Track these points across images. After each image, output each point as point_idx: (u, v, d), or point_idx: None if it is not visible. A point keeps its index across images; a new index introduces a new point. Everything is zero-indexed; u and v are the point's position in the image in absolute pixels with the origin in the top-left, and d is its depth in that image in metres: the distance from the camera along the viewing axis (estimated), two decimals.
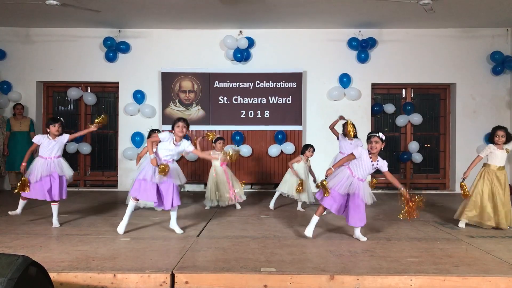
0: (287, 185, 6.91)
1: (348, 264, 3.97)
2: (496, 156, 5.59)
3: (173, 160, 5.25)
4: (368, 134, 4.98)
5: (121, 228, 5.15)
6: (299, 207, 6.92)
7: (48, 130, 5.75)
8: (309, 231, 4.98)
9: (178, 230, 5.27)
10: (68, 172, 5.77)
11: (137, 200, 5.27)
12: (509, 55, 9.19)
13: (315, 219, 5.01)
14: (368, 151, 4.88)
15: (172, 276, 3.66)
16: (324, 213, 5.62)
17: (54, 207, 5.64)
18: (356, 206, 4.88)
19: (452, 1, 7.30)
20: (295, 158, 6.99)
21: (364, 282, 3.64)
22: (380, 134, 4.85)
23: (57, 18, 8.65)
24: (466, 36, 9.36)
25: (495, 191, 5.54)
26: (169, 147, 5.18)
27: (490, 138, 5.74)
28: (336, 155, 6.98)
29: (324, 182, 4.89)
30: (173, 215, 5.32)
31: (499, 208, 5.49)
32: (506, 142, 5.61)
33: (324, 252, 4.40)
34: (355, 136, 6.81)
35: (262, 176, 9.19)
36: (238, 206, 7.10)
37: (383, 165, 4.93)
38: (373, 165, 4.89)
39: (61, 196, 5.69)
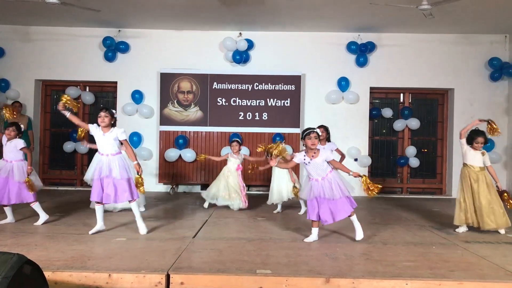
0: (275, 194, 6.91)
1: (344, 268, 3.96)
2: (469, 155, 5.61)
3: (116, 152, 5.14)
4: (306, 131, 4.95)
5: (92, 231, 5.13)
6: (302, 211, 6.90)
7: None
8: (309, 239, 4.98)
9: (142, 230, 5.18)
10: (18, 177, 5.61)
11: (99, 202, 5.17)
12: (507, 62, 9.23)
13: (314, 230, 5.02)
14: (308, 147, 4.89)
15: (168, 276, 3.65)
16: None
17: (33, 206, 5.71)
18: (335, 202, 4.86)
19: (452, 7, 7.31)
20: None
21: (359, 286, 3.63)
22: (318, 130, 4.93)
23: (57, 16, 8.65)
24: (464, 42, 9.39)
25: (474, 192, 5.53)
26: (99, 138, 5.11)
27: (468, 141, 5.68)
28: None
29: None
30: (133, 209, 5.19)
31: (478, 208, 5.48)
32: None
33: (320, 255, 4.39)
34: (328, 140, 6.78)
35: (259, 179, 9.18)
36: (236, 209, 7.09)
37: (324, 156, 4.90)
38: (310, 161, 4.87)
39: (17, 200, 5.62)
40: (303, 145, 5.02)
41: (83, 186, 9.78)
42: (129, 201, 5.17)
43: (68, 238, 4.90)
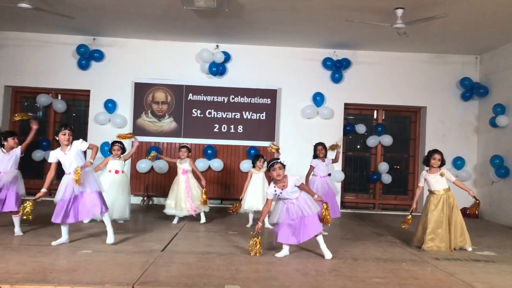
0: (247, 202, 6.83)
1: (314, 284, 3.92)
2: (431, 181, 5.75)
3: (82, 167, 5.03)
4: (269, 163, 4.96)
5: (55, 242, 5.01)
6: (267, 224, 6.76)
7: (5, 143, 5.68)
8: (280, 254, 4.94)
9: (110, 239, 5.08)
10: (21, 189, 5.81)
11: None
12: (478, 82, 9.44)
13: (285, 247, 4.99)
14: (274, 179, 4.91)
15: None
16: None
17: (15, 219, 5.59)
18: (308, 219, 4.87)
19: (425, 27, 7.47)
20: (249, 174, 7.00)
21: None
22: (281, 159, 4.93)
23: (29, 22, 8.47)
24: (437, 61, 9.59)
25: (443, 216, 5.62)
26: (62, 158, 5.05)
27: (426, 161, 5.87)
28: (310, 179, 7.03)
29: (257, 240, 4.90)
30: (105, 220, 5.12)
31: (451, 231, 5.58)
32: (440, 166, 5.77)
33: (290, 271, 4.35)
34: (325, 156, 6.93)
35: (233, 192, 9.09)
36: (203, 220, 6.96)
37: (292, 182, 4.90)
38: (281, 191, 4.89)
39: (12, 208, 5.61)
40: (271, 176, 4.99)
41: (52, 196, 9.51)
42: (101, 213, 5.09)
43: (31, 249, 4.73)
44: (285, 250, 4.97)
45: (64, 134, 5.04)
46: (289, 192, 4.91)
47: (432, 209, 5.67)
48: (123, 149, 6.84)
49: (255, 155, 7.18)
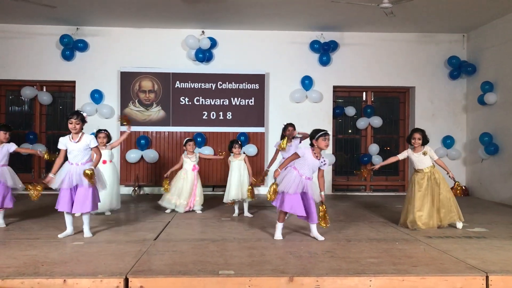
0: (233, 190, 6.56)
1: (308, 266, 3.92)
2: (415, 160, 5.76)
3: (86, 161, 4.97)
4: (320, 132, 4.93)
5: (61, 234, 4.97)
6: (246, 213, 6.63)
7: None
8: (277, 235, 4.97)
9: (86, 234, 5.02)
10: (15, 182, 5.70)
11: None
12: (465, 60, 9.45)
13: (279, 225, 5.00)
14: (320, 148, 4.90)
15: (126, 280, 3.51)
16: (287, 217, 5.54)
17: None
18: (310, 204, 4.90)
19: (412, 6, 7.42)
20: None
21: (323, 283, 3.59)
22: (329, 132, 4.94)
23: (10, 13, 8.29)
24: (424, 41, 9.57)
25: (429, 192, 5.64)
26: (70, 147, 4.94)
27: (408, 140, 5.88)
28: (280, 160, 7.01)
29: (274, 186, 4.87)
30: (85, 219, 5.04)
31: (437, 207, 5.61)
32: (424, 144, 5.76)
33: (284, 254, 4.34)
34: (294, 137, 6.88)
35: (224, 179, 9.02)
36: (199, 211, 6.88)
37: (326, 163, 4.99)
38: (320, 162, 4.93)
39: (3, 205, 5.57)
40: (314, 145, 4.94)
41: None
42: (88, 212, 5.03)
43: (22, 243, 4.66)
44: (279, 229, 4.98)
45: (71, 123, 4.89)
46: (315, 164, 4.90)
47: (417, 189, 5.66)
48: (108, 137, 6.55)
49: (231, 141, 6.87)
